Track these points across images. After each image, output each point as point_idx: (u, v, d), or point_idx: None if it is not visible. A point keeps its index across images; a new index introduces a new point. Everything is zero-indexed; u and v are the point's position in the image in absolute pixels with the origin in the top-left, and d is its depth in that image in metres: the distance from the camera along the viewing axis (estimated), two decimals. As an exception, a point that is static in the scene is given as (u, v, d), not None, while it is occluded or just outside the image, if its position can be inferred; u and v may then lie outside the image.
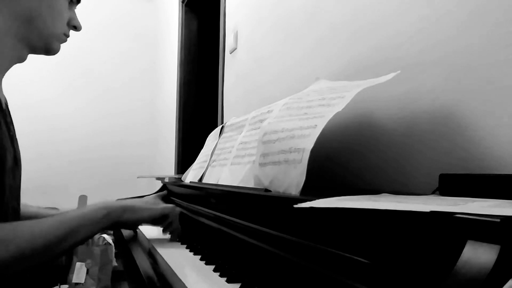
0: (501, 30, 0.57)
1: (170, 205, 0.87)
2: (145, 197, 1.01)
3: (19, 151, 0.79)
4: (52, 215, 0.68)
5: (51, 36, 0.76)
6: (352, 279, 0.39)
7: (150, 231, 0.94)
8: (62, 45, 0.81)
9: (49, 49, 0.78)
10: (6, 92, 0.81)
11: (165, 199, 1.34)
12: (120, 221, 0.76)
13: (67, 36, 0.80)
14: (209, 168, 1.08)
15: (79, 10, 0.82)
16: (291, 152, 0.64)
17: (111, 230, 0.81)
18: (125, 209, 0.76)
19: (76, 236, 0.66)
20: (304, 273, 0.47)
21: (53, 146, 3.45)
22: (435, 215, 0.32)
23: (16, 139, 0.79)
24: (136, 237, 0.91)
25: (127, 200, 0.84)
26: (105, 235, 2.30)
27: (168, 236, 0.88)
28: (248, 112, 1.02)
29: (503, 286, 0.25)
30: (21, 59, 0.77)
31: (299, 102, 0.76)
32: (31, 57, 0.78)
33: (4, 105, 0.76)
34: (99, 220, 0.71)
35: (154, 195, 1.09)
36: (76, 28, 0.81)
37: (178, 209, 0.89)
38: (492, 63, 0.58)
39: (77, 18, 0.81)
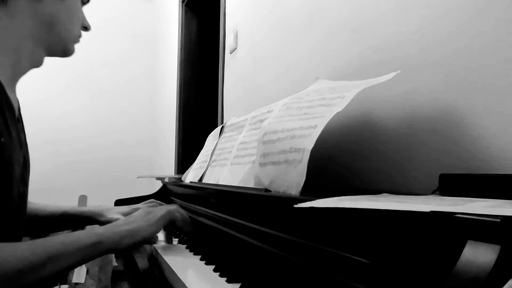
0: (501, 30, 0.57)
1: (170, 210, 0.76)
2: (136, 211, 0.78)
3: (28, 155, 0.76)
4: (32, 241, 0.57)
5: (69, 39, 0.76)
6: (352, 279, 0.39)
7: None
8: None
9: (67, 51, 0.78)
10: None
11: (165, 199, 1.34)
12: (117, 249, 0.65)
13: (80, 36, 0.80)
14: (209, 168, 1.08)
15: (79, 10, 0.82)
16: (291, 152, 0.64)
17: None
18: (123, 236, 0.65)
19: (55, 264, 0.56)
20: (304, 273, 0.47)
21: (53, 146, 3.45)
22: (435, 215, 0.32)
23: (26, 143, 0.77)
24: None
25: (123, 222, 0.70)
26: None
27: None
28: (248, 112, 1.02)
29: (503, 286, 0.25)
30: (39, 64, 0.76)
31: (299, 102, 0.76)
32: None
33: (17, 111, 0.74)
34: (87, 247, 0.60)
35: (146, 204, 0.94)
36: (87, 28, 0.81)
37: (177, 210, 0.79)
38: (492, 63, 0.58)
39: (86, 18, 0.81)
